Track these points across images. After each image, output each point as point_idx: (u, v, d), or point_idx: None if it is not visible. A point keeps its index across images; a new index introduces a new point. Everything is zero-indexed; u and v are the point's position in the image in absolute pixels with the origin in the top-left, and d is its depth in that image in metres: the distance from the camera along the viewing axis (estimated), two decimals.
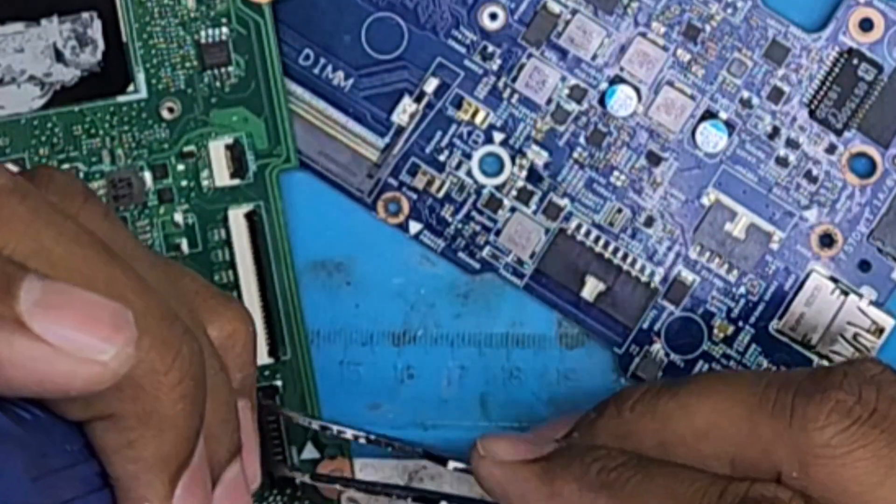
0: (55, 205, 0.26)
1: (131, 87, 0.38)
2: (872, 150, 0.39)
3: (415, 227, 0.39)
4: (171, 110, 0.38)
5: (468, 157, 0.39)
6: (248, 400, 0.33)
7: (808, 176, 0.39)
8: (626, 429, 0.34)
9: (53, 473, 0.25)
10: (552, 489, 0.34)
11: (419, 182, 0.39)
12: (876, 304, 0.39)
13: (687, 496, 0.32)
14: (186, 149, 0.38)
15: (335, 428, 0.37)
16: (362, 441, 0.37)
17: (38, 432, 0.25)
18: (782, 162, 0.39)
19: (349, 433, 0.37)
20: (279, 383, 0.39)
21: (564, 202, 0.39)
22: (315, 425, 0.38)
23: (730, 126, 0.39)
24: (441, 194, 0.39)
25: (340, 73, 0.39)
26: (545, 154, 0.39)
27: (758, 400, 0.33)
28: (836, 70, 0.38)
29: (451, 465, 0.37)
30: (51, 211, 0.26)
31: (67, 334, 0.23)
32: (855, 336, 0.39)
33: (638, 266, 0.39)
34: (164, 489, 0.26)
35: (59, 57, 0.38)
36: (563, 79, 0.39)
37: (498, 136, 0.39)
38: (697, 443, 0.33)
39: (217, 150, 0.38)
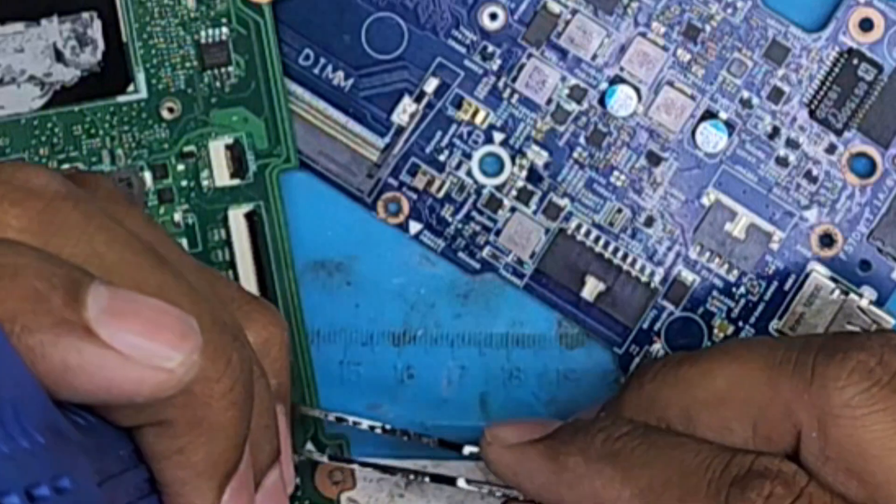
0: (106, 210, 0.26)
1: (131, 87, 0.38)
2: (872, 150, 0.39)
3: (415, 227, 0.39)
4: (171, 110, 0.38)
5: (468, 157, 0.39)
6: (283, 405, 0.33)
7: (808, 176, 0.39)
8: (650, 399, 0.34)
9: (112, 478, 0.25)
10: (557, 464, 0.34)
11: (419, 182, 0.39)
12: (876, 304, 0.39)
13: (692, 466, 0.32)
14: (186, 149, 0.38)
15: (351, 419, 0.37)
16: (378, 431, 0.37)
17: (94, 437, 0.25)
18: (782, 162, 0.39)
19: (365, 424, 0.37)
20: None
21: (564, 202, 0.39)
22: (331, 417, 0.38)
23: (730, 126, 0.39)
24: (441, 194, 0.39)
25: (340, 73, 0.39)
26: (545, 154, 0.39)
27: (779, 361, 0.33)
28: (836, 70, 0.38)
29: (467, 449, 0.37)
30: (103, 216, 0.26)
31: (135, 341, 0.23)
32: None
33: (638, 266, 0.39)
34: (212, 495, 0.27)
35: (59, 57, 0.38)
36: (563, 79, 0.39)
37: (498, 136, 0.39)
38: (719, 407, 0.33)
39: (217, 150, 0.38)
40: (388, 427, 0.37)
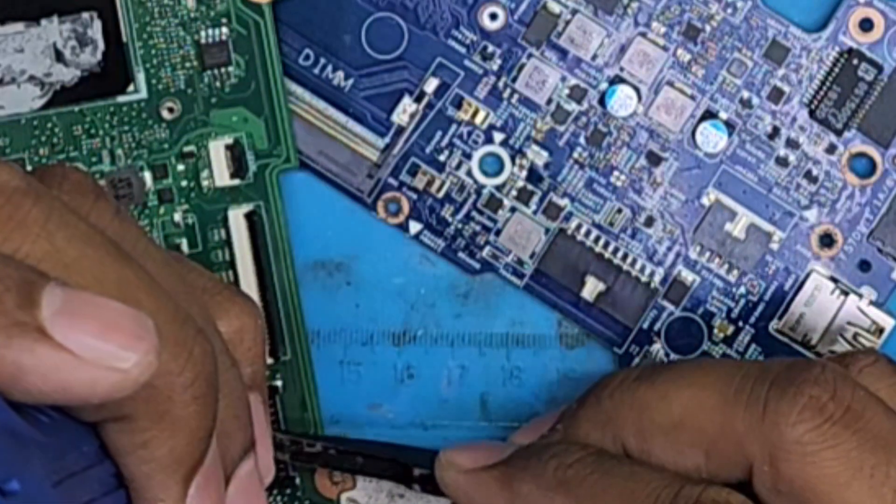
0: (67, 205, 0.26)
1: (131, 87, 0.38)
2: (872, 150, 0.39)
3: (415, 227, 0.39)
4: (171, 110, 0.38)
5: (468, 157, 0.39)
6: (259, 393, 0.33)
7: (808, 176, 0.39)
8: (606, 417, 0.34)
9: (72, 476, 0.25)
10: (511, 491, 0.34)
11: (419, 182, 0.39)
12: (876, 304, 0.39)
13: (642, 496, 0.32)
14: (186, 149, 0.38)
15: (304, 442, 0.37)
16: (332, 452, 0.37)
17: (55, 435, 0.25)
18: (782, 162, 0.39)
19: (318, 446, 0.37)
20: (279, 383, 0.39)
21: (564, 202, 0.39)
22: (286, 441, 0.38)
23: (730, 126, 0.39)
24: (441, 194, 0.39)
25: (340, 73, 0.39)
26: (545, 154, 0.39)
27: (733, 391, 0.33)
28: (836, 70, 0.38)
29: (417, 471, 0.37)
30: (64, 212, 0.25)
31: (89, 342, 0.23)
32: (855, 336, 0.39)
33: (638, 266, 0.39)
34: (177, 489, 0.26)
35: (59, 57, 0.38)
36: (563, 79, 0.39)
37: (498, 136, 0.39)
38: (674, 432, 0.33)
39: (217, 150, 0.38)
40: (340, 448, 0.37)
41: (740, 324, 0.39)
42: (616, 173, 0.39)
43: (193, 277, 0.31)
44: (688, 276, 0.39)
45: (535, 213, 0.39)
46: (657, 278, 0.39)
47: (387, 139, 0.39)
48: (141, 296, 0.25)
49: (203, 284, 0.32)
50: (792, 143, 0.39)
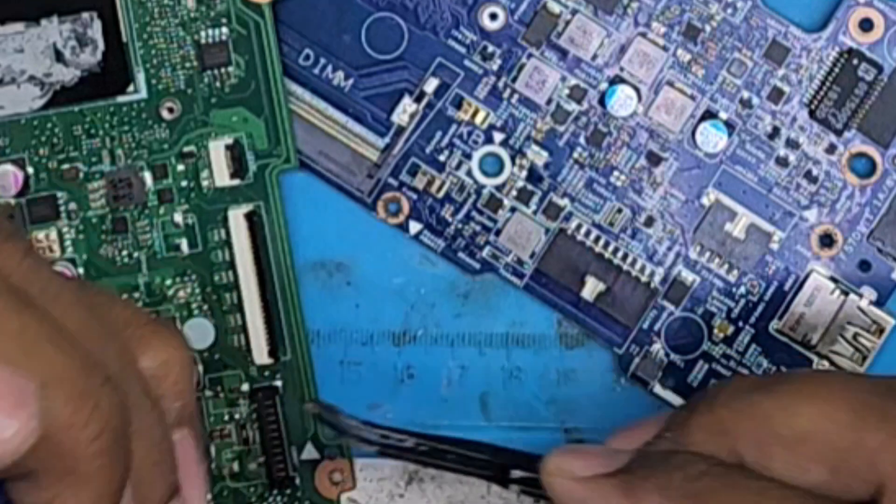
0: None
1: (131, 88, 0.38)
2: (872, 150, 0.39)
3: (415, 227, 0.39)
4: (171, 110, 0.38)
5: (468, 157, 0.39)
6: (190, 429, 0.31)
7: (808, 176, 0.39)
8: (722, 426, 0.33)
9: None
10: (635, 500, 0.32)
11: (419, 182, 0.39)
12: (876, 304, 0.39)
13: None
14: (186, 149, 0.38)
15: (395, 436, 0.36)
16: (423, 448, 0.36)
17: None
18: (782, 162, 0.39)
19: (410, 442, 0.36)
20: (279, 383, 0.39)
21: (564, 202, 0.39)
22: (374, 435, 0.36)
23: (730, 126, 0.39)
24: (441, 194, 0.39)
25: (340, 73, 0.39)
26: (545, 154, 0.39)
27: (862, 405, 0.31)
28: (836, 70, 0.38)
29: (517, 473, 0.35)
30: None
31: None
32: (855, 336, 0.39)
33: (638, 266, 0.39)
34: None
35: (59, 57, 0.38)
36: (563, 79, 0.39)
37: (498, 136, 0.39)
38: (797, 446, 0.32)
39: (217, 150, 0.38)
40: (432, 445, 0.36)
41: (740, 324, 0.39)
42: (616, 173, 0.39)
43: (117, 312, 0.30)
44: (688, 276, 0.39)
45: (535, 213, 0.39)
46: (657, 278, 0.39)
47: (387, 139, 0.39)
48: (43, 347, 0.24)
49: (126, 318, 0.30)
50: (792, 143, 0.39)
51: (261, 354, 0.39)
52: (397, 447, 0.36)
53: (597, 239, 0.39)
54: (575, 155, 0.39)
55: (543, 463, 0.34)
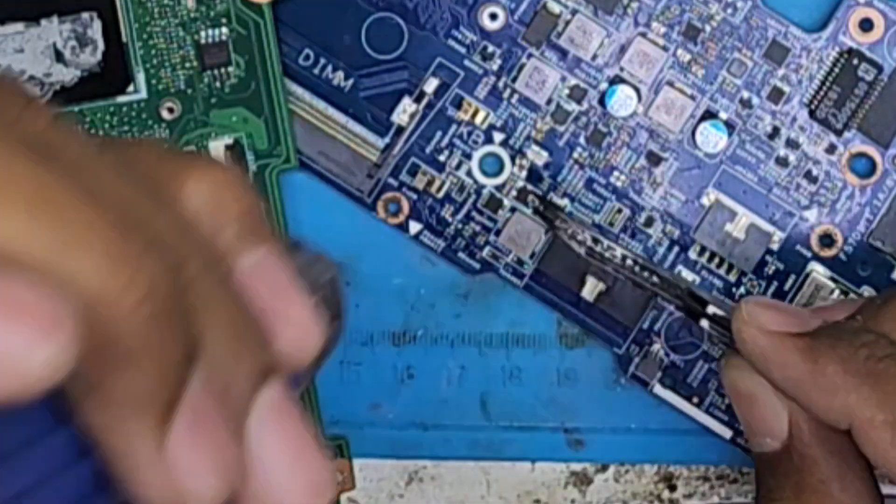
0: None
1: (131, 88, 0.38)
2: (872, 150, 0.39)
3: (415, 227, 0.39)
4: (171, 110, 0.38)
5: (468, 157, 0.39)
6: (269, 245, 0.25)
7: (808, 176, 0.39)
8: None
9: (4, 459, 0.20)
10: (815, 367, 0.33)
11: (419, 182, 0.39)
12: None
13: None
14: (186, 149, 0.38)
15: (605, 242, 0.37)
16: (629, 262, 0.36)
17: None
18: (782, 162, 0.39)
19: (618, 252, 0.36)
20: None
21: (564, 202, 0.39)
22: (587, 237, 0.37)
23: (730, 126, 0.39)
24: (441, 194, 0.39)
25: (340, 73, 0.39)
26: (545, 154, 0.39)
27: None
28: (836, 70, 0.38)
29: (711, 309, 0.36)
30: None
31: None
32: None
33: (638, 266, 0.39)
34: (152, 435, 0.21)
35: (59, 57, 0.38)
36: (563, 79, 0.39)
37: (498, 136, 0.39)
38: None
39: (217, 150, 0.38)
40: (637, 262, 0.36)
41: None
42: (616, 173, 0.39)
43: (143, 154, 0.24)
44: (688, 277, 0.39)
45: (535, 213, 0.39)
46: (657, 278, 0.39)
47: (387, 139, 0.39)
48: (68, 202, 0.20)
49: (158, 154, 0.24)
50: (792, 143, 0.39)
51: None
52: (601, 254, 0.37)
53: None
54: (575, 155, 0.39)
55: (737, 308, 0.34)
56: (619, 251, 0.37)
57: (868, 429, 0.32)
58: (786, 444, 0.34)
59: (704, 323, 0.36)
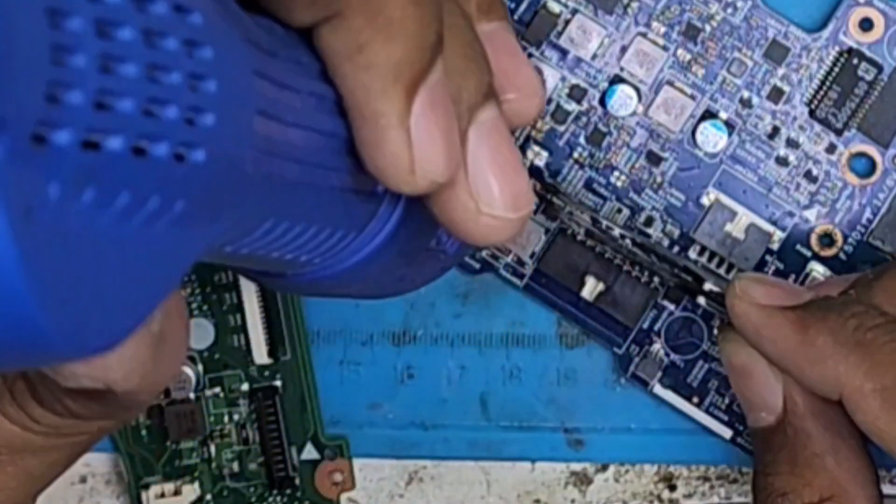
0: None
1: None
2: (872, 150, 0.39)
3: None
4: None
5: None
6: (503, 21, 0.29)
7: (808, 176, 0.39)
8: None
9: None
10: (805, 337, 0.33)
11: None
12: None
13: None
14: None
15: (604, 222, 0.37)
16: (628, 240, 0.37)
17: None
18: (782, 162, 0.39)
19: (617, 231, 0.37)
20: (279, 383, 0.39)
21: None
22: (587, 215, 0.37)
23: (730, 126, 0.39)
24: None
25: None
26: (545, 154, 0.39)
27: None
28: (836, 70, 0.38)
29: (707, 286, 0.37)
30: None
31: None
32: None
33: (638, 266, 0.39)
34: (399, 102, 0.24)
35: None
36: (563, 79, 0.39)
37: None
38: None
39: None
40: (636, 240, 0.37)
41: None
42: (616, 173, 0.39)
43: None
44: (688, 277, 0.39)
45: (535, 213, 0.39)
46: (657, 278, 0.39)
47: None
48: None
49: None
50: (792, 143, 0.39)
51: (260, 354, 0.39)
52: (602, 231, 0.37)
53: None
54: (575, 155, 0.39)
55: (730, 284, 0.35)
56: (617, 231, 0.37)
57: (857, 398, 0.32)
58: (780, 418, 0.34)
59: (701, 299, 0.37)
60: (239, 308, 0.38)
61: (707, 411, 0.39)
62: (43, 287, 0.16)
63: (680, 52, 0.39)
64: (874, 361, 0.32)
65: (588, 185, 0.39)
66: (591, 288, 0.39)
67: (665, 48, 0.39)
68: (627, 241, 0.37)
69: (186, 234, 0.19)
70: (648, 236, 0.39)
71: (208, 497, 0.39)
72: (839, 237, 0.39)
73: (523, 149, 0.39)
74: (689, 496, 0.40)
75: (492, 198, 0.25)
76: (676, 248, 0.39)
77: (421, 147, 0.24)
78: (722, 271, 0.39)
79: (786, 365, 0.34)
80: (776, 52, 0.39)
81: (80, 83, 0.16)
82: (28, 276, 0.15)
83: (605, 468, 0.40)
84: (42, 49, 0.15)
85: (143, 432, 0.39)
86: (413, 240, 0.28)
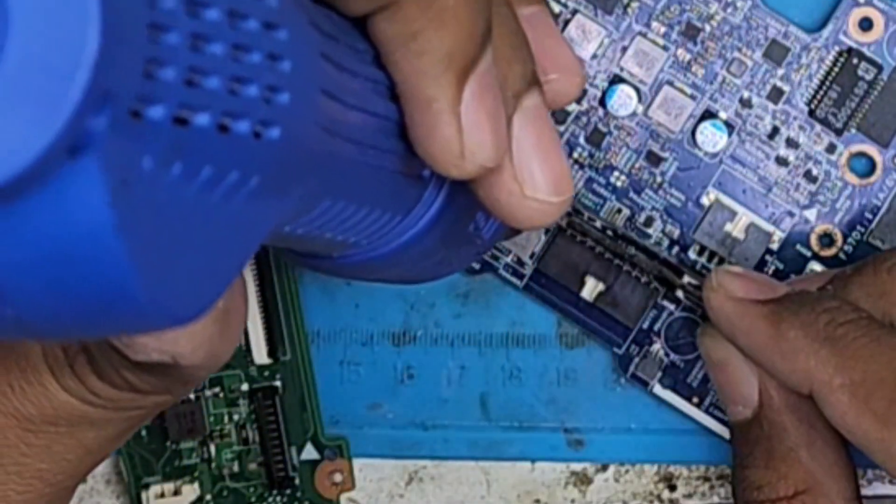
0: None
1: None
2: (872, 150, 0.39)
3: None
4: None
5: None
6: (542, 6, 0.30)
7: (808, 176, 0.39)
8: (881, 289, 0.34)
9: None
10: (777, 331, 0.34)
11: None
12: None
13: None
14: None
15: (586, 214, 0.37)
16: (609, 233, 0.37)
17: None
18: (782, 162, 0.39)
19: (598, 223, 0.37)
20: (279, 383, 0.39)
21: None
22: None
23: (730, 126, 0.39)
24: None
25: None
26: None
27: None
28: (836, 70, 0.38)
29: (686, 279, 0.37)
30: None
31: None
32: None
33: (638, 266, 0.39)
34: (451, 88, 0.25)
35: None
36: None
37: None
38: None
39: None
40: (617, 233, 0.37)
41: None
42: (616, 173, 0.39)
43: None
44: (687, 277, 0.39)
45: None
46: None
47: None
48: None
49: None
50: (792, 143, 0.39)
51: (260, 354, 0.39)
52: (582, 224, 0.37)
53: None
54: (575, 155, 0.39)
55: (708, 277, 0.35)
56: (598, 223, 0.37)
57: (826, 392, 0.33)
58: (757, 411, 0.35)
59: (680, 293, 0.37)
60: None
61: (707, 411, 0.39)
62: (139, 256, 0.16)
63: (680, 52, 0.39)
64: (844, 356, 0.32)
65: (588, 184, 0.39)
66: (591, 288, 0.39)
67: (665, 48, 0.39)
68: (609, 232, 0.37)
69: (260, 208, 0.20)
70: (648, 236, 0.39)
71: (208, 497, 0.39)
72: (839, 237, 0.39)
73: None
74: (689, 496, 0.40)
75: (535, 182, 0.26)
76: (676, 248, 0.39)
77: (470, 132, 0.25)
78: None
79: (759, 358, 0.34)
80: (776, 52, 0.39)
81: (173, 60, 0.17)
82: (126, 245, 0.16)
83: (605, 468, 0.40)
84: (141, 27, 0.16)
85: (143, 432, 0.39)
86: (454, 224, 0.28)
